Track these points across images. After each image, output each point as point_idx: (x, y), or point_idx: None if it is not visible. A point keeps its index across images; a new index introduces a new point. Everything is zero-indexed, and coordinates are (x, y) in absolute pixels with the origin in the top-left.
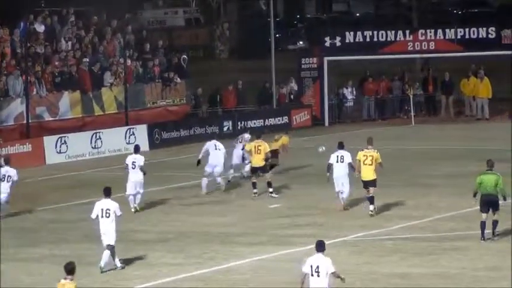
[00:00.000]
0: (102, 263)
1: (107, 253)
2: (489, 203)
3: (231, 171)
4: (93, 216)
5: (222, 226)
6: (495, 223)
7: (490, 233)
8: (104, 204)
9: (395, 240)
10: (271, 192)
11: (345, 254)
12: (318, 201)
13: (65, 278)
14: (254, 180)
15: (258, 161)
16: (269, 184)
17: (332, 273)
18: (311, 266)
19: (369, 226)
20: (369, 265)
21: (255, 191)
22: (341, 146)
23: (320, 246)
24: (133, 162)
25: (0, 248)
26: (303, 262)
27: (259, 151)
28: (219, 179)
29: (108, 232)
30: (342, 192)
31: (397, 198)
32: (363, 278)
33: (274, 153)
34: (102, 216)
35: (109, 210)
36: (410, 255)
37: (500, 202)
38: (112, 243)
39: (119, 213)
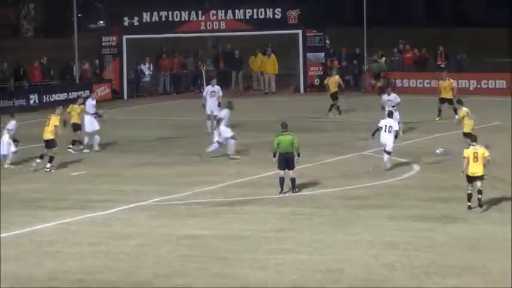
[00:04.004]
0: None
1: None
2: (286, 160)
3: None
4: None
5: (29, 192)
6: (293, 181)
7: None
8: None
9: (188, 205)
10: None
11: (142, 217)
12: (117, 169)
13: None
14: None
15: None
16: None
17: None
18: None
19: (165, 192)
20: (164, 228)
21: None
22: None
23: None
24: None
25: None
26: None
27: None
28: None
29: None
30: None
31: (189, 167)
32: (158, 239)
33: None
34: None
35: None
36: (203, 219)
37: (295, 160)
38: None
39: None
